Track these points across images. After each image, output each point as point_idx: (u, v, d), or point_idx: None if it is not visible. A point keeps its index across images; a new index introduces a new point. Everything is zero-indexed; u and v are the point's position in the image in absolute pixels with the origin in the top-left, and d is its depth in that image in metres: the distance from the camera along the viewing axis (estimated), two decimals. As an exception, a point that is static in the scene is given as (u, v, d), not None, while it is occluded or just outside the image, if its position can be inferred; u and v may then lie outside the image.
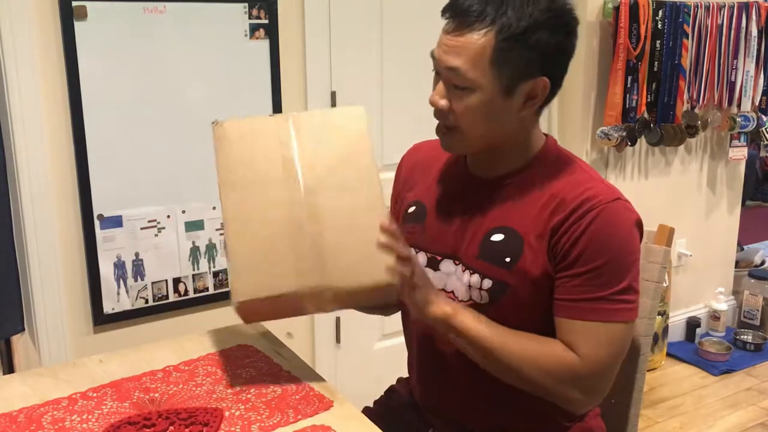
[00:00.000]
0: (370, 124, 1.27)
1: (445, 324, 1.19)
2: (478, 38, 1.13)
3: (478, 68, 1.14)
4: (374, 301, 1.27)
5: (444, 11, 1.18)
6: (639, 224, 1.22)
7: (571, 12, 1.18)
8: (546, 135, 1.30)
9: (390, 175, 1.47)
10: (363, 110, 1.25)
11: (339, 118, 1.28)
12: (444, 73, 1.18)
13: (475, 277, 1.23)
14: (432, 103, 1.21)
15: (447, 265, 1.28)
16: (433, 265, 1.30)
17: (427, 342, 1.34)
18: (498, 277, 1.21)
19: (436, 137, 1.28)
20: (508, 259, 1.20)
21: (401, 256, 1.15)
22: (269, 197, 1.20)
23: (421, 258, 1.31)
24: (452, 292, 1.27)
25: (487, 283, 1.22)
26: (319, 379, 1.30)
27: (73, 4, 1.91)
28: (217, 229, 2.22)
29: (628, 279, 1.17)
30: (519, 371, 1.18)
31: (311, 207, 1.18)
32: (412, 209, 1.36)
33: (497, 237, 1.23)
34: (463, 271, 1.25)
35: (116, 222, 2.08)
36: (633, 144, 2.89)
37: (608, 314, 1.16)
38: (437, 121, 1.24)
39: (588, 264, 1.16)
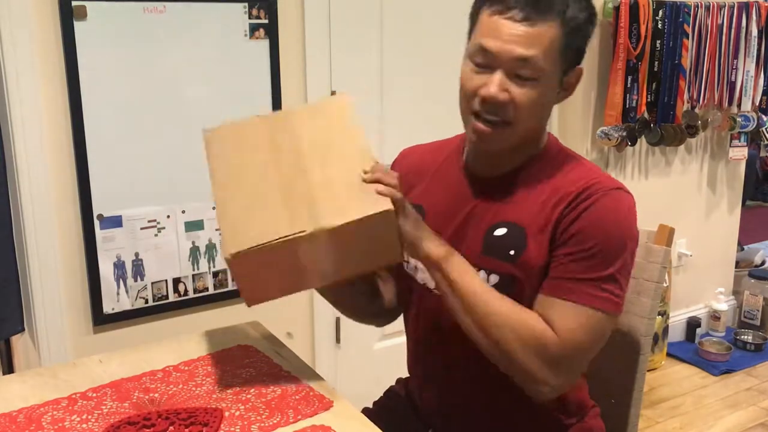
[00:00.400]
0: (363, 114, 1.26)
1: (436, 265, 1.17)
2: (549, 28, 1.14)
3: (548, 58, 1.15)
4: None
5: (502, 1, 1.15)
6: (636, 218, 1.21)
7: None
8: (548, 133, 1.30)
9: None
10: (348, 97, 1.25)
11: (328, 107, 1.29)
12: (508, 64, 1.15)
13: (482, 274, 1.22)
14: (490, 97, 1.16)
15: None
16: None
17: (428, 343, 1.34)
18: (504, 271, 1.21)
19: (430, 140, 1.27)
20: (512, 252, 1.20)
21: (390, 184, 1.13)
22: (260, 164, 1.21)
23: None
24: None
25: (494, 279, 1.21)
26: (319, 379, 1.30)
27: (73, 4, 1.91)
28: (216, 229, 2.22)
29: (616, 266, 1.16)
30: (491, 330, 1.15)
31: (301, 170, 1.18)
32: None
33: (500, 231, 1.22)
34: None
35: (116, 222, 2.08)
36: (633, 144, 2.89)
37: (589, 299, 1.15)
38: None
39: (580, 244, 1.16)
